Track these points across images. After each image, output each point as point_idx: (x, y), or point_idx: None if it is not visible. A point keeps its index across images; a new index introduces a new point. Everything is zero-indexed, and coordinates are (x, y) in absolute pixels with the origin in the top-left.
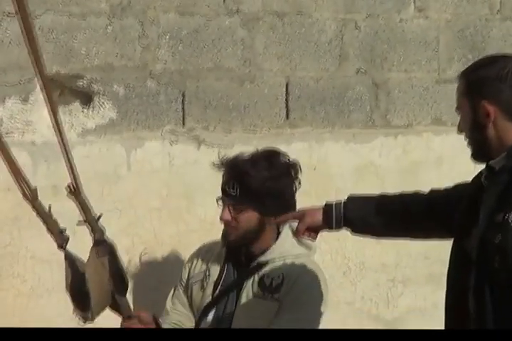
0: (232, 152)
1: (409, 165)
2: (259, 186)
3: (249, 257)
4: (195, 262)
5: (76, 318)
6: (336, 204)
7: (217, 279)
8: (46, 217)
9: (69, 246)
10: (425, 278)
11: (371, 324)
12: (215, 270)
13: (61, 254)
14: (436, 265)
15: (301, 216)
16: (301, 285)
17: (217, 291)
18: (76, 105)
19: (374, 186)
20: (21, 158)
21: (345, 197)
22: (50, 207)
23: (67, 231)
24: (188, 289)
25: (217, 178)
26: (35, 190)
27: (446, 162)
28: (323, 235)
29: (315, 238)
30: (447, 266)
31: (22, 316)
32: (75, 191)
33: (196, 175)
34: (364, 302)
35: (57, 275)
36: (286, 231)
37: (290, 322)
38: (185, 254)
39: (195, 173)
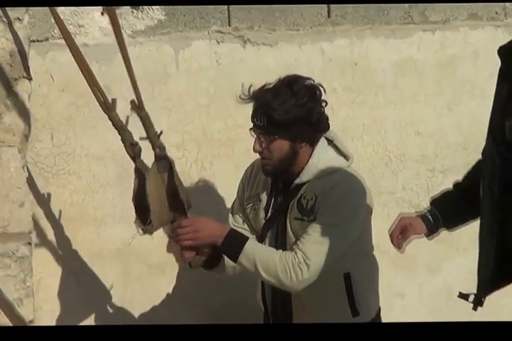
0: (276, 49)
1: (446, 59)
2: (284, 116)
3: (289, 181)
4: (249, 180)
5: (136, 227)
6: (429, 213)
7: (266, 205)
8: (120, 129)
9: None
10: (463, 168)
11: (412, 213)
12: (264, 196)
13: (115, 152)
14: (473, 155)
15: (404, 226)
16: (335, 196)
17: (269, 215)
18: (125, 8)
19: (413, 80)
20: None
21: (430, 205)
22: (127, 119)
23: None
24: (243, 210)
25: (263, 75)
26: (115, 101)
27: (482, 55)
28: (365, 128)
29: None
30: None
31: (79, 209)
32: (138, 106)
33: (243, 73)
34: (405, 191)
35: (112, 171)
36: (319, 150)
37: (324, 226)
38: (234, 149)
39: (241, 71)
